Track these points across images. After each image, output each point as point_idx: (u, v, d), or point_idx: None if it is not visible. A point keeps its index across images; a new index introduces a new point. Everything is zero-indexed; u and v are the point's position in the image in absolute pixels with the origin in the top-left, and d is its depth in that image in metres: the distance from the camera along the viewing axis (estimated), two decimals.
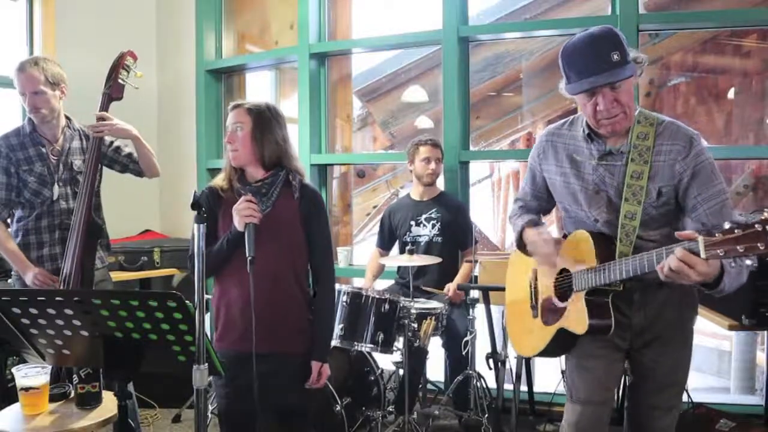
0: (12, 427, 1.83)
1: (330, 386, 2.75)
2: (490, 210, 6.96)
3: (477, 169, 6.35)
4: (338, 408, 2.80)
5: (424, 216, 3.44)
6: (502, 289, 2.28)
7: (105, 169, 2.77)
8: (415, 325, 2.92)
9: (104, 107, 2.59)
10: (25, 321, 1.60)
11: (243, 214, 1.95)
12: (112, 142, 2.77)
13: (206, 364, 1.50)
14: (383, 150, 6.30)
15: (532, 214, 2.07)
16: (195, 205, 1.57)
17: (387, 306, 2.85)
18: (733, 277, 1.56)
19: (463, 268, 3.40)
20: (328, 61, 4.21)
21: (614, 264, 1.70)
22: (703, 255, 1.43)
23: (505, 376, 3.15)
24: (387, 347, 2.87)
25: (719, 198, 1.71)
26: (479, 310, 3.16)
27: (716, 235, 1.41)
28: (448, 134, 3.72)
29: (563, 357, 2.04)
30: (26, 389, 1.89)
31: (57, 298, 1.54)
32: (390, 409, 3.09)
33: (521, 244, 2.03)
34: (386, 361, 3.15)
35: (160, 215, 4.60)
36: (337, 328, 2.82)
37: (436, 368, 3.63)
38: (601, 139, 1.85)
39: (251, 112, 2.07)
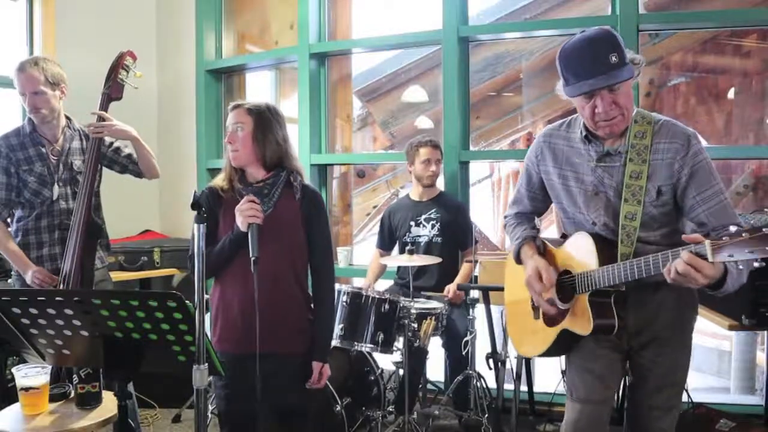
0: (12, 427, 1.83)
1: (330, 386, 2.75)
2: (490, 210, 6.96)
3: (477, 169, 6.33)
4: (338, 408, 2.80)
5: (423, 216, 3.44)
6: (502, 289, 2.28)
7: (105, 170, 2.77)
8: (415, 325, 2.92)
9: (104, 107, 2.59)
10: (25, 321, 1.60)
11: (246, 214, 1.95)
12: (112, 143, 2.77)
13: (206, 364, 1.50)
14: (383, 150, 6.30)
15: (527, 223, 2.07)
16: (195, 205, 1.58)
17: (387, 306, 2.85)
18: (735, 277, 1.56)
19: (464, 269, 3.40)
20: (328, 61, 4.21)
21: (620, 266, 1.70)
22: (710, 258, 1.44)
23: (505, 376, 3.15)
24: (387, 347, 2.87)
25: (718, 198, 1.71)
26: (479, 310, 3.16)
27: (723, 238, 1.41)
28: (448, 134, 3.72)
29: (564, 356, 2.04)
30: (26, 389, 1.89)
31: (57, 298, 1.54)
32: (390, 409, 3.09)
33: (519, 260, 2.03)
34: (386, 361, 3.16)
35: (160, 215, 4.60)
36: (337, 328, 2.82)
37: (436, 368, 3.63)
38: (598, 141, 1.84)
39: (252, 113, 2.07)
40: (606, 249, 1.78)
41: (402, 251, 3.41)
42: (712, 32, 4.43)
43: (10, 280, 2.85)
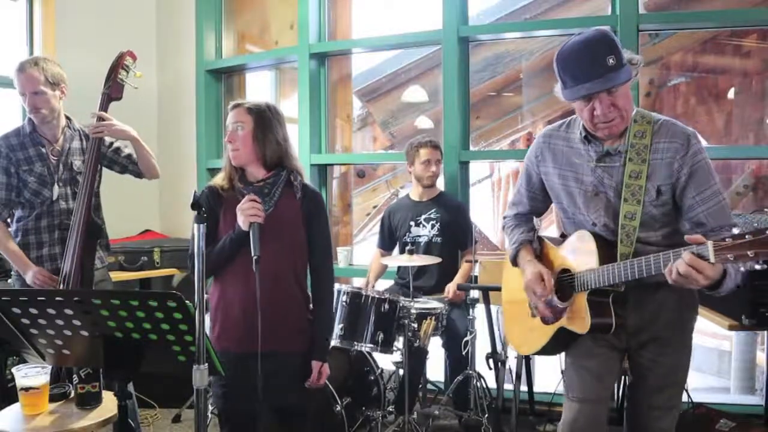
0: (12, 427, 1.83)
1: (330, 386, 2.75)
2: (490, 210, 6.95)
3: (477, 169, 6.33)
4: (338, 408, 2.80)
5: (423, 216, 3.44)
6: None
7: (105, 170, 2.77)
8: (415, 325, 2.92)
9: (104, 107, 2.59)
10: (25, 321, 1.60)
11: (248, 213, 1.96)
12: (112, 143, 2.77)
13: (206, 364, 1.50)
14: (383, 150, 6.29)
15: (525, 226, 2.07)
16: (195, 205, 1.58)
17: (387, 306, 2.85)
18: (732, 279, 1.57)
19: (463, 268, 3.40)
20: (328, 61, 4.21)
21: (620, 265, 1.70)
22: (712, 259, 1.44)
23: (505, 376, 3.15)
24: (387, 347, 2.87)
25: (717, 198, 1.72)
26: (479, 310, 3.16)
27: (726, 239, 1.41)
28: (448, 134, 3.72)
29: (564, 356, 2.04)
30: (26, 389, 1.89)
31: (57, 298, 1.54)
32: (390, 409, 3.09)
33: (516, 264, 2.03)
34: (386, 361, 3.15)
35: (160, 215, 4.60)
36: (337, 328, 2.82)
37: (436, 368, 3.63)
38: (598, 141, 1.84)
39: (252, 112, 2.07)
40: (606, 249, 1.78)
41: (402, 251, 3.42)
42: (712, 32, 4.43)
43: (10, 280, 2.85)
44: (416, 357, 3.00)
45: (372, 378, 3.08)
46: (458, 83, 3.69)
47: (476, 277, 3.40)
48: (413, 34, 3.94)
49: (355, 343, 2.84)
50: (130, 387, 2.25)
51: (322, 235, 2.17)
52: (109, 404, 1.94)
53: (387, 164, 6.22)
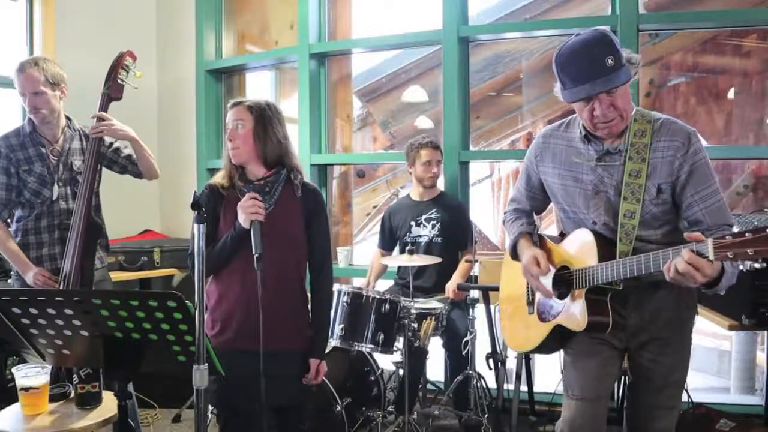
0: (12, 427, 1.83)
1: (330, 386, 2.76)
2: (490, 210, 6.95)
3: (477, 169, 6.33)
4: (338, 408, 2.80)
5: (423, 216, 3.44)
6: None
7: (105, 170, 2.77)
8: (415, 325, 2.92)
9: (103, 107, 2.59)
10: (25, 321, 1.60)
11: (249, 211, 1.95)
12: (111, 143, 2.77)
13: (206, 364, 1.50)
14: (383, 150, 6.29)
15: (525, 218, 2.08)
16: (195, 205, 1.58)
17: (387, 306, 2.85)
18: (729, 278, 1.57)
19: (461, 267, 3.40)
20: (328, 61, 4.21)
21: (619, 262, 1.70)
22: (711, 257, 1.44)
23: (505, 376, 3.15)
24: (387, 347, 2.87)
25: (716, 197, 1.72)
26: (479, 310, 3.16)
27: (726, 237, 1.41)
28: (448, 134, 3.72)
29: (563, 356, 2.04)
30: (26, 389, 1.89)
31: (57, 298, 1.54)
32: (390, 409, 3.09)
33: (515, 254, 2.03)
34: (386, 361, 3.16)
35: (160, 215, 4.60)
36: (338, 328, 2.82)
37: (436, 368, 3.63)
38: (598, 140, 1.84)
39: (252, 110, 2.07)
40: (605, 247, 1.79)
41: (402, 251, 3.42)
42: (712, 32, 4.43)
43: (10, 280, 2.85)
44: (416, 357, 3.00)
45: (372, 378, 3.08)
46: (458, 83, 3.69)
47: (476, 277, 3.39)
48: (413, 34, 3.94)
49: (356, 343, 2.84)
50: (130, 387, 2.25)
51: (322, 234, 2.17)
52: (109, 404, 1.94)
53: (387, 164, 6.22)
